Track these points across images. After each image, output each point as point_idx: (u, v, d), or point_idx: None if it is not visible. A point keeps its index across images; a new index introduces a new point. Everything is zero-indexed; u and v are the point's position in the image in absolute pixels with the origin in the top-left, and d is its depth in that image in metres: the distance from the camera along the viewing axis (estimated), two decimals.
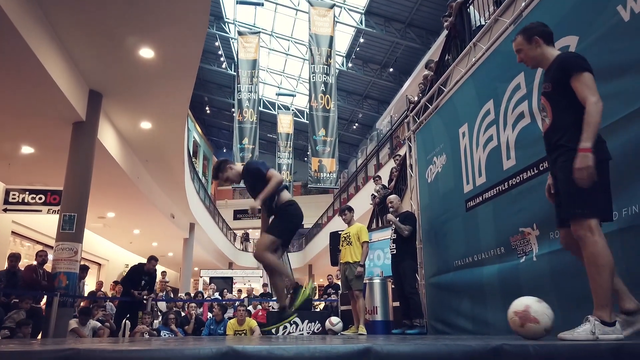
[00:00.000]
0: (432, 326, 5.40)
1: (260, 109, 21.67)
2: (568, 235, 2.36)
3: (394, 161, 9.95)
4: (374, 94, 24.98)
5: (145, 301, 7.75)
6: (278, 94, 27.17)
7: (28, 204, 9.99)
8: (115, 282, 11.08)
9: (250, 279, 21.45)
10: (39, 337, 6.62)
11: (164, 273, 11.53)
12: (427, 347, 1.49)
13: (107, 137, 9.30)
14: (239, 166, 4.04)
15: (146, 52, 7.11)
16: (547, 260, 3.47)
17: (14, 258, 6.87)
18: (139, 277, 7.75)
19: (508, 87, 4.05)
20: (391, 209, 5.67)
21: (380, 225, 9.05)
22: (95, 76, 7.85)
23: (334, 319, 5.72)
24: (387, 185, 9.54)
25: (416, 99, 9.39)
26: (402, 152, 10.37)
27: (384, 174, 11.77)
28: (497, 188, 4.22)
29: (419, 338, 3.37)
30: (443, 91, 5.52)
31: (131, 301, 7.60)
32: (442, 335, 4.85)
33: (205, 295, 11.44)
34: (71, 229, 7.52)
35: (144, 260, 8.14)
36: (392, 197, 5.91)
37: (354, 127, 28.74)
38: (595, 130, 2.11)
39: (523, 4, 3.93)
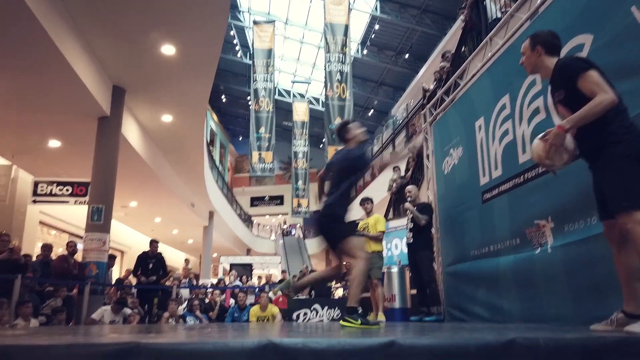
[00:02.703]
0: (449, 313, 5.56)
1: (276, 97, 21.80)
2: (610, 228, 2.26)
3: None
4: (389, 81, 24.90)
5: (162, 288, 8.06)
6: (293, 82, 27.23)
7: (56, 195, 10.34)
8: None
9: (269, 265, 21.83)
10: (72, 323, 6.98)
11: (187, 260, 11.88)
12: (445, 340, 1.65)
13: (130, 130, 9.56)
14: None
15: (168, 49, 7.30)
16: (561, 252, 3.58)
17: (47, 248, 7.21)
18: (146, 262, 8.09)
19: (524, 83, 4.12)
20: (409, 199, 5.78)
21: (397, 214, 9.19)
22: (118, 73, 8.08)
23: None
24: (404, 175, 9.65)
25: (431, 87, 9.43)
26: (417, 142, 10.43)
27: (401, 162, 11.85)
28: (513, 181, 4.32)
29: (437, 326, 3.53)
30: (459, 84, 5.60)
31: (145, 289, 7.93)
32: (458, 322, 5.02)
33: (227, 282, 11.78)
34: (99, 220, 7.83)
35: (167, 247, 8.48)
36: (411, 187, 6.01)
37: (369, 114, 28.71)
38: (585, 117, 2.15)
39: (539, 1, 3.98)
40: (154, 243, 8.28)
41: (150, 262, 8.08)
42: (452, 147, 5.66)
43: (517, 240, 4.23)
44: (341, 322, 3.34)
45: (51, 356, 1.46)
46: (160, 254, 8.38)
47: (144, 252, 8.33)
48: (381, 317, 5.45)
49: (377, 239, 5.65)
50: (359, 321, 3.19)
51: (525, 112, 4.11)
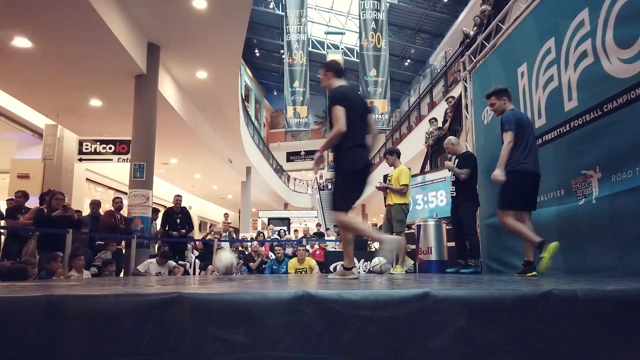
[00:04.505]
0: (487, 265, 5.54)
1: (309, 49, 21.40)
2: None
3: (447, 103, 9.73)
4: (427, 27, 23.91)
5: (204, 241, 8.27)
6: (327, 33, 26.57)
7: (100, 153, 10.73)
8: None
9: (306, 219, 22.18)
10: (121, 275, 7.39)
11: (226, 215, 12.22)
12: (480, 291, 1.64)
13: (167, 88, 9.66)
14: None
15: (199, 3, 7.21)
16: (606, 203, 3.46)
17: (96, 204, 7.55)
18: (173, 217, 8.26)
19: (571, 24, 3.87)
20: (449, 155, 5.64)
21: (434, 167, 9.06)
22: (152, 29, 8.08)
23: (374, 262, 5.66)
24: (442, 127, 9.42)
25: (472, 32, 9.00)
26: (455, 93, 10.10)
27: (438, 113, 11.54)
28: (558, 130, 4.14)
29: (473, 278, 3.53)
30: (501, 29, 5.31)
31: (175, 242, 8.15)
32: (496, 274, 5.00)
33: (266, 235, 12.10)
34: (142, 177, 8.09)
35: (207, 202, 8.63)
36: (446, 141, 5.83)
37: (406, 63, 27.84)
38: (327, 144, 3.23)
39: None
40: (177, 197, 8.38)
41: (177, 217, 8.25)
42: None
43: (562, 191, 4.11)
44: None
45: (101, 305, 1.55)
46: (185, 208, 8.49)
47: (169, 208, 8.48)
48: (398, 269, 5.48)
49: (401, 192, 5.53)
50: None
51: (571, 57, 3.88)
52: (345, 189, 3.26)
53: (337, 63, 3.54)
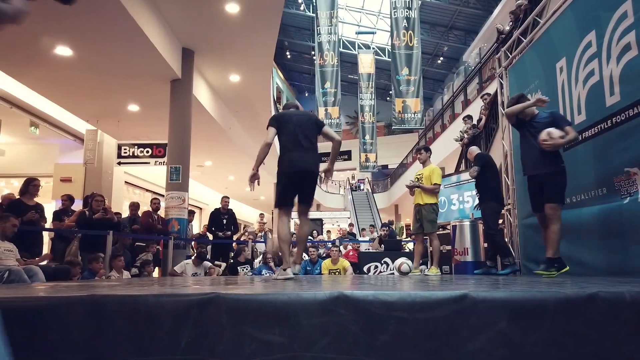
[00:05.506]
0: (525, 266, 5.40)
1: (340, 49, 21.34)
2: None
3: (482, 100, 9.52)
4: (460, 24, 23.50)
5: (238, 242, 8.38)
6: (358, 33, 26.48)
7: (137, 157, 11.03)
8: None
9: (339, 220, 22.15)
10: (155, 274, 7.55)
11: (261, 215, 12.36)
12: (520, 293, 1.60)
13: (201, 91, 9.85)
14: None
15: (232, 7, 7.32)
16: None
17: (135, 206, 7.76)
18: (220, 218, 8.44)
19: (613, 16, 3.73)
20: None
21: (468, 166, 8.88)
22: (186, 35, 8.26)
23: (401, 266, 5.52)
24: (477, 124, 9.22)
25: (507, 28, 8.78)
26: (490, 90, 9.88)
27: (473, 111, 11.31)
28: (599, 126, 4.00)
29: (512, 279, 3.44)
30: (538, 23, 5.16)
31: (220, 243, 8.33)
32: (535, 275, 4.85)
33: None
34: (178, 180, 8.27)
35: (240, 203, 8.77)
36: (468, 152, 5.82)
37: (439, 61, 27.44)
38: (257, 161, 3.75)
39: None
40: (225, 199, 8.61)
41: (224, 218, 8.44)
42: (529, 92, 5.31)
43: (604, 189, 3.96)
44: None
45: (141, 305, 1.60)
46: (231, 209, 8.69)
47: (216, 209, 8.70)
48: (435, 270, 5.39)
49: (432, 191, 5.37)
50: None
51: (614, 49, 3.74)
52: (277, 189, 3.78)
53: (288, 103, 4.19)
